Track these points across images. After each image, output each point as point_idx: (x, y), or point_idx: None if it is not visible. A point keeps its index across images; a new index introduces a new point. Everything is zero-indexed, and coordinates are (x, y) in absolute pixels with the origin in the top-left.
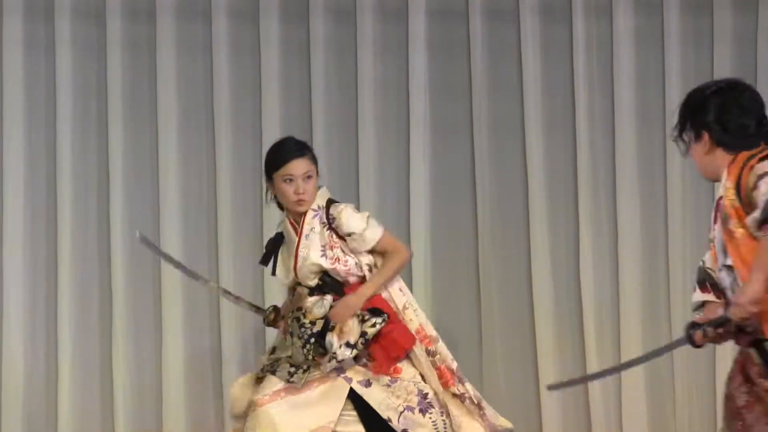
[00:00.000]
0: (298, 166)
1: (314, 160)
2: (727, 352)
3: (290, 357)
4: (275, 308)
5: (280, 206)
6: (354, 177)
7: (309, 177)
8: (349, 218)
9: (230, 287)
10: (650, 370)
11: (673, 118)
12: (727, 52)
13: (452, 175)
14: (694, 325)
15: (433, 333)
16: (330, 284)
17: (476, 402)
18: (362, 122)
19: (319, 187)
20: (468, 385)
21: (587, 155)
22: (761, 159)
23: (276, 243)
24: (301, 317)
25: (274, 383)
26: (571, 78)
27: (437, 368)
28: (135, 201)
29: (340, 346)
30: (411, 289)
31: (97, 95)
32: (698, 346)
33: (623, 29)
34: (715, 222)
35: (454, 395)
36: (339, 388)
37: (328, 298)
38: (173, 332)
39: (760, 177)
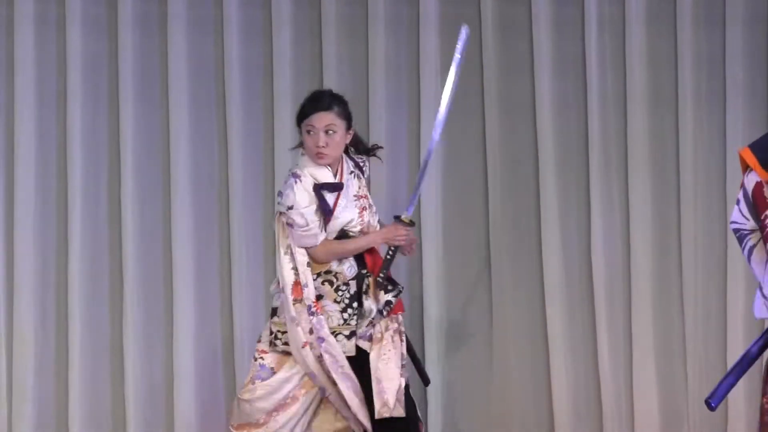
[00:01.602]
0: (321, 119)
1: (344, 115)
2: (738, 331)
3: None
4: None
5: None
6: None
7: (330, 132)
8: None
9: (242, 268)
10: (662, 354)
11: (685, 98)
12: (739, 33)
13: (463, 155)
14: None
15: None
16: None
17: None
18: (373, 102)
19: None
20: None
21: (599, 135)
22: None
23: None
24: (335, 280)
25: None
26: (582, 58)
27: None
28: (146, 180)
29: (376, 310)
30: (421, 271)
31: (108, 74)
32: None
33: (635, 9)
34: None
35: None
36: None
37: (352, 260)
38: (184, 317)
39: None
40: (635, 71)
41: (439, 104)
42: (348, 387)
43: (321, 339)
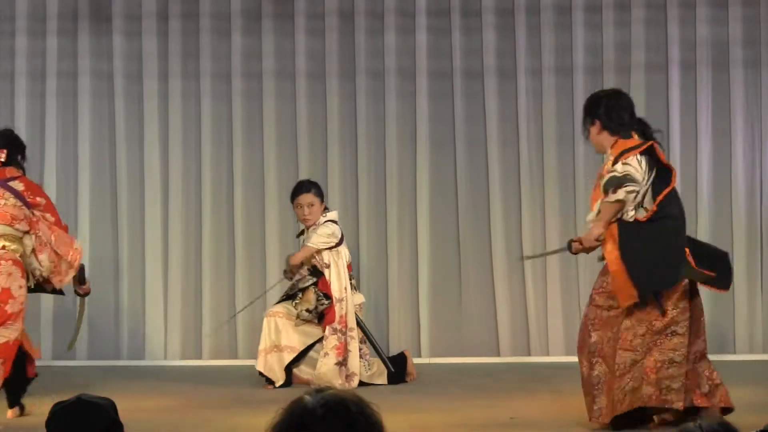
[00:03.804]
0: (304, 199)
1: (318, 194)
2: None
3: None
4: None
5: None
6: (382, 180)
7: (311, 205)
8: (318, 229)
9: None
10: (564, 297)
11: (579, 146)
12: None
13: (442, 178)
14: (571, 241)
15: (351, 323)
16: (314, 269)
17: (348, 373)
18: (389, 144)
19: (326, 210)
20: (351, 363)
21: (526, 162)
22: (632, 154)
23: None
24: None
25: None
26: (515, 118)
27: (340, 342)
28: (246, 205)
29: (303, 311)
30: (416, 245)
31: (227, 140)
32: (574, 253)
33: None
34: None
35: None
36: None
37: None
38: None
39: (619, 161)
40: (548, 125)
41: (427, 145)
42: None
43: None
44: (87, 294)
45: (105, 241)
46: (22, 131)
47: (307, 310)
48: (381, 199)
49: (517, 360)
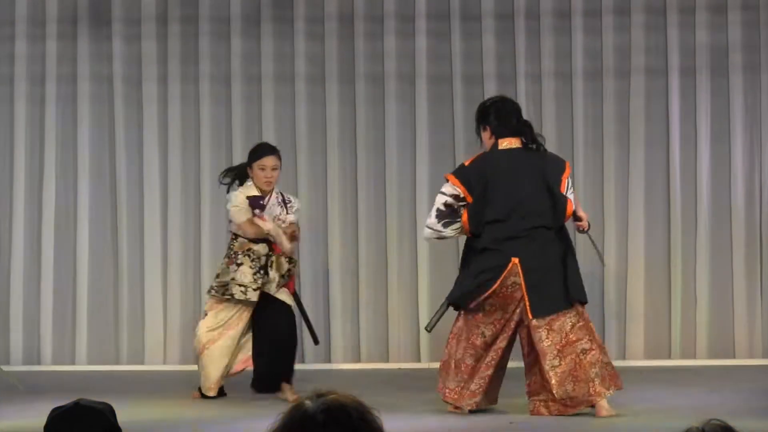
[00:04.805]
0: (270, 161)
1: (279, 158)
2: None
3: (234, 279)
4: None
5: (241, 182)
6: (382, 184)
7: (275, 169)
8: (295, 206)
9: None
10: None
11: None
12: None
13: (442, 182)
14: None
15: None
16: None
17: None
18: (388, 149)
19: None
20: None
21: None
22: None
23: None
24: (251, 255)
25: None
26: None
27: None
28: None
29: (279, 276)
30: (416, 250)
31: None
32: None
33: (547, 87)
34: None
35: None
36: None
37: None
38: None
39: None
40: (548, 129)
41: (427, 150)
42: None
43: None
44: None
45: (104, 244)
46: (21, 135)
47: (282, 276)
48: (381, 203)
49: (518, 365)
